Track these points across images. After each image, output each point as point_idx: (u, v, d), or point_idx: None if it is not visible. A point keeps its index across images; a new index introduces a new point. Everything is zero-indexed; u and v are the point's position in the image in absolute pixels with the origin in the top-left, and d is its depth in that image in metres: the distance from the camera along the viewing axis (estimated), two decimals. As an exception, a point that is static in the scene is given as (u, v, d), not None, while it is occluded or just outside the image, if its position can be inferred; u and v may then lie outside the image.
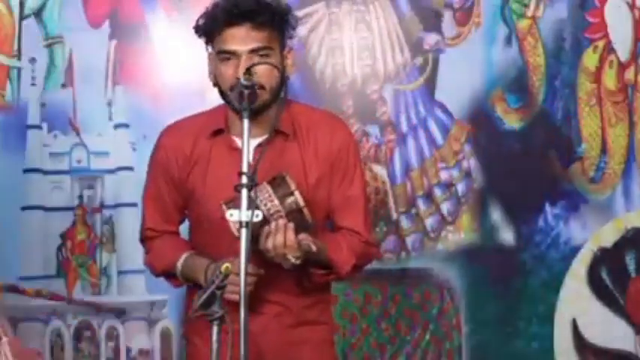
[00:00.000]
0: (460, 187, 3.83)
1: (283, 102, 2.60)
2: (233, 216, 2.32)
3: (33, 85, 3.54)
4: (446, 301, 3.78)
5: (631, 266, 3.89)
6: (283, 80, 2.59)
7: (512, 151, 3.85)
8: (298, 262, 2.47)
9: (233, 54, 2.52)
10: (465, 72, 3.82)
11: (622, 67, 3.91)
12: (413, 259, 3.79)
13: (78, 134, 3.56)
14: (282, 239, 2.43)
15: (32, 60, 3.55)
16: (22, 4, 3.54)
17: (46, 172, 3.54)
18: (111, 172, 3.55)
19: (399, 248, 3.78)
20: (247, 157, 2.33)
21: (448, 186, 3.82)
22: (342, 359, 3.66)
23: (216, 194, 2.51)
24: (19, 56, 3.55)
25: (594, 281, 3.86)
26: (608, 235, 3.86)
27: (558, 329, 3.83)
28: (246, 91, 2.38)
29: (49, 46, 3.57)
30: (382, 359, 3.73)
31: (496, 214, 3.81)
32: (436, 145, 3.81)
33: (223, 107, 2.61)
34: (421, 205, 3.80)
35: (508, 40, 3.85)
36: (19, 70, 3.54)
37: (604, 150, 3.90)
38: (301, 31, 3.71)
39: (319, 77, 3.72)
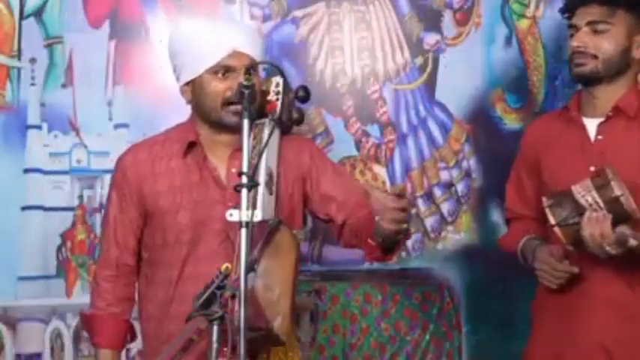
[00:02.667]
0: (460, 187, 3.83)
1: (627, 81, 2.76)
2: (233, 216, 2.33)
3: (33, 85, 3.54)
4: (446, 301, 3.78)
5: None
6: (628, 59, 2.75)
7: (512, 151, 3.83)
8: (614, 252, 2.53)
9: (575, 28, 2.78)
10: (465, 72, 3.82)
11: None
12: (413, 259, 3.79)
13: (78, 134, 3.56)
14: (598, 230, 2.49)
15: (32, 60, 3.55)
16: (22, 4, 3.54)
17: (46, 172, 3.54)
18: (111, 172, 3.53)
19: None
20: (248, 158, 2.33)
21: (448, 186, 3.82)
22: (342, 359, 3.66)
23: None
24: (19, 56, 3.55)
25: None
26: (608, 235, 3.85)
27: (558, 329, 3.83)
28: (246, 92, 2.39)
29: (49, 46, 3.57)
30: (382, 359, 3.73)
31: (496, 214, 3.80)
32: (436, 145, 3.81)
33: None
34: (421, 205, 3.81)
35: (508, 40, 3.85)
36: (19, 70, 3.54)
37: (604, 150, 3.89)
38: (301, 31, 3.71)
39: (319, 77, 3.72)
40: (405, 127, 3.78)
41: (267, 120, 2.51)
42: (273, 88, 2.53)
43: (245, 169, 2.32)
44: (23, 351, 3.53)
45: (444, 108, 3.81)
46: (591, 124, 2.81)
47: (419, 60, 3.80)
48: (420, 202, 3.80)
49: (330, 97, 3.72)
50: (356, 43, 3.76)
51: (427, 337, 3.77)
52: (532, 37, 3.85)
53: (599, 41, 2.74)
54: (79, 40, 3.57)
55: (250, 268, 2.31)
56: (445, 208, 3.82)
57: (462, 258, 3.78)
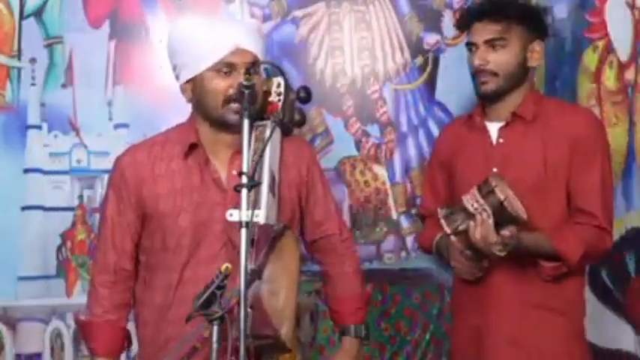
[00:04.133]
0: (460, 187, 3.82)
1: (525, 89, 2.93)
2: (233, 216, 2.32)
3: (33, 85, 3.54)
4: (446, 301, 3.78)
5: (631, 266, 3.88)
6: (525, 69, 2.91)
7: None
8: (502, 254, 2.71)
9: (474, 45, 2.93)
10: (465, 72, 3.79)
11: (622, 67, 3.90)
12: (413, 259, 3.79)
13: (78, 134, 3.56)
14: (483, 233, 2.68)
15: (32, 60, 3.55)
16: (22, 4, 3.54)
17: (46, 172, 3.54)
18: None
19: (399, 248, 3.78)
20: (248, 158, 2.33)
21: (448, 186, 3.82)
22: (342, 359, 3.66)
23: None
24: (19, 56, 3.55)
25: (594, 281, 3.85)
26: (608, 235, 3.86)
27: (558, 329, 3.83)
28: (246, 92, 2.38)
29: (49, 46, 3.57)
30: (382, 359, 3.73)
31: (496, 214, 3.81)
32: (436, 145, 3.81)
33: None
34: (421, 205, 3.80)
35: (508, 40, 3.85)
36: (19, 70, 3.54)
37: (604, 150, 3.90)
38: (301, 31, 3.72)
39: (319, 77, 3.72)
40: (405, 127, 3.78)
41: (268, 122, 2.49)
42: (274, 88, 2.52)
43: (245, 169, 2.31)
44: (23, 351, 3.53)
45: (444, 108, 3.82)
46: (493, 129, 2.96)
47: (419, 60, 3.80)
48: (420, 202, 3.80)
49: (330, 97, 3.72)
50: (356, 43, 3.76)
51: (427, 337, 3.77)
52: (532, 37, 3.85)
53: (498, 57, 2.90)
54: (79, 40, 3.57)
55: (257, 276, 2.31)
56: (445, 208, 3.82)
57: (461, 258, 3.77)
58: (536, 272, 2.87)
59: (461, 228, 2.75)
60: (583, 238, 2.83)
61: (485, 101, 2.96)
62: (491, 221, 2.68)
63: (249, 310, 2.27)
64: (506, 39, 2.88)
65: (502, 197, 2.68)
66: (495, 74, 2.89)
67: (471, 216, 2.72)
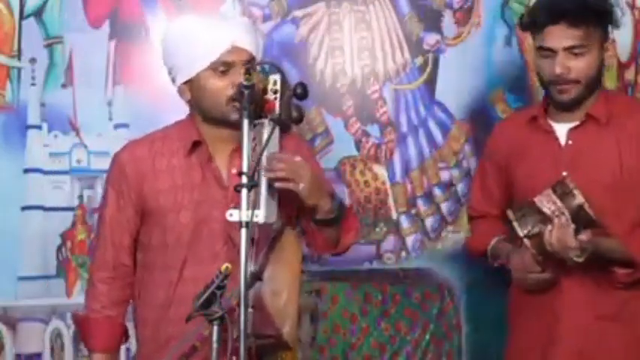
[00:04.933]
0: (460, 187, 3.82)
1: (599, 90, 2.82)
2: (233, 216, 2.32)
3: (33, 85, 3.54)
4: (446, 301, 3.78)
5: (631, 266, 3.88)
6: (602, 71, 2.80)
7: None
8: (580, 259, 2.60)
9: (551, 51, 2.75)
10: (465, 72, 3.82)
11: (622, 67, 3.90)
12: (413, 259, 3.79)
13: (78, 134, 3.56)
14: (561, 237, 2.56)
15: (32, 60, 3.55)
16: (22, 4, 3.53)
17: (46, 172, 3.54)
18: (111, 172, 3.55)
19: (399, 248, 3.78)
20: (248, 158, 2.33)
21: (448, 186, 3.82)
22: (342, 359, 3.66)
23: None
24: (19, 56, 3.55)
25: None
26: (608, 235, 3.85)
27: (558, 329, 3.83)
28: (246, 91, 2.38)
29: (49, 46, 3.56)
30: (382, 359, 3.73)
31: (496, 214, 3.80)
32: (436, 145, 3.81)
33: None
34: (421, 205, 3.80)
35: (508, 40, 3.85)
36: (19, 70, 3.54)
37: (604, 150, 3.89)
38: (301, 31, 3.71)
39: (319, 77, 3.72)
40: (405, 127, 3.78)
41: (266, 120, 2.48)
42: (270, 86, 2.50)
43: (245, 169, 2.31)
44: (23, 351, 3.52)
45: (444, 108, 3.81)
46: (561, 130, 2.86)
47: (419, 60, 3.80)
48: (420, 202, 3.80)
49: (330, 97, 3.72)
50: (356, 43, 3.76)
51: (427, 337, 3.77)
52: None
53: (580, 65, 2.77)
54: (79, 40, 3.57)
55: (257, 277, 2.30)
56: (445, 208, 3.82)
57: (461, 258, 3.77)
58: (606, 279, 2.76)
59: (535, 231, 2.63)
60: None
61: (564, 108, 2.84)
62: (571, 225, 2.58)
63: (250, 310, 2.27)
64: (587, 45, 2.76)
65: (582, 200, 2.58)
66: (577, 82, 2.77)
67: (546, 219, 2.61)
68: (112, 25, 3.60)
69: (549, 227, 2.60)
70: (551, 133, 2.85)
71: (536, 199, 2.65)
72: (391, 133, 3.77)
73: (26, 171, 3.52)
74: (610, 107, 2.84)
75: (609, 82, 3.89)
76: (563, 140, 2.86)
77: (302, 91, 2.52)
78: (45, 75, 3.55)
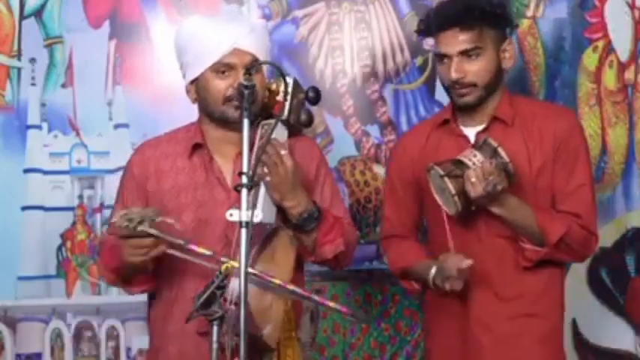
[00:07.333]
0: (460, 187, 3.82)
1: (500, 91, 2.84)
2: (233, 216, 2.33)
3: (33, 85, 3.55)
4: (446, 301, 3.78)
5: (631, 266, 3.89)
6: (501, 72, 2.81)
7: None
8: (503, 184, 2.63)
9: (446, 56, 2.78)
10: (464, 72, 3.81)
11: (622, 67, 3.90)
12: (413, 259, 3.78)
13: (78, 134, 3.56)
14: (480, 170, 2.59)
15: (32, 60, 3.55)
16: (22, 4, 3.54)
17: (46, 172, 3.54)
18: (111, 172, 3.54)
19: (399, 248, 3.78)
20: (248, 158, 2.33)
21: (448, 186, 3.82)
22: (342, 359, 3.66)
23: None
24: (19, 56, 3.55)
25: (594, 281, 3.85)
26: (608, 235, 3.85)
27: (558, 329, 3.83)
28: (246, 92, 2.39)
29: (49, 46, 3.57)
30: (382, 359, 3.73)
31: (496, 214, 3.80)
32: (436, 145, 3.81)
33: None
34: (421, 205, 3.80)
35: (508, 40, 3.85)
36: (19, 70, 3.54)
37: (604, 150, 3.89)
38: (301, 31, 3.72)
39: (319, 77, 3.72)
40: (405, 127, 3.78)
41: (273, 121, 2.50)
42: (282, 88, 2.53)
43: (245, 169, 2.32)
44: (23, 351, 3.53)
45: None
46: (469, 133, 2.87)
47: (419, 60, 3.80)
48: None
49: (330, 97, 3.72)
50: (356, 43, 3.76)
51: (427, 337, 3.77)
52: (532, 36, 3.85)
53: (475, 67, 2.78)
54: (79, 40, 3.57)
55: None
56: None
57: (461, 258, 3.77)
58: (513, 263, 2.79)
59: (456, 173, 2.66)
60: (566, 222, 2.75)
61: (465, 111, 2.86)
62: (492, 162, 2.63)
63: (232, 307, 2.28)
64: (481, 47, 2.77)
65: (495, 144, 2.65)
66: (474, 85, 2.79)
67: (468, 167, 2.66)
68: (112, 25, 3.60)
69: (472, 168, 2.64)
70: (462, 136, 2.86)
71: (459, 156, 2.70)
72: (391, 133, 3.77)
73: (26, 171, 3.52)
74: (514, 108, 2.85)
75: (609, 82, 3.90)
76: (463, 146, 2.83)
77: (314, 95, 2.54)
78: (45, 75, 3.55)
